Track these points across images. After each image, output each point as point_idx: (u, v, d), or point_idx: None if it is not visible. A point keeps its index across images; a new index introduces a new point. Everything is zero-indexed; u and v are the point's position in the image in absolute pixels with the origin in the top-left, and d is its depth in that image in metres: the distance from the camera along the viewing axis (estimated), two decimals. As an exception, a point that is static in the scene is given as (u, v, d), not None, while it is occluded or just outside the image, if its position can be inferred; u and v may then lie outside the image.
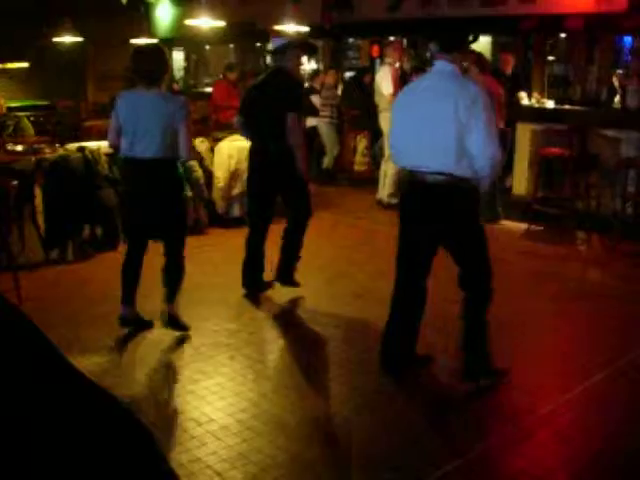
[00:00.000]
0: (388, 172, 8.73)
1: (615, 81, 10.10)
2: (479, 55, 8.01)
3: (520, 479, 3.22)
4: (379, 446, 3.47)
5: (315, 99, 10.44)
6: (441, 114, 3.75)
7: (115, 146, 4.75)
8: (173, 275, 4.75)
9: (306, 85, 10.70)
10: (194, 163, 7.34)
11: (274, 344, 4.77)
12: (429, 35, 4.09)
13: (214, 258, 6.40)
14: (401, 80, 8.88)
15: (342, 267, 6.24)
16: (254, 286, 5.55)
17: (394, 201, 8.77)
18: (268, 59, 14.75)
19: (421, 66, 11.72)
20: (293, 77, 5.41)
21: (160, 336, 4.75)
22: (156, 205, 4.63)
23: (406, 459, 3.35)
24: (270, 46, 5.60)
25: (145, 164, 4.53)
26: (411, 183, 3.99)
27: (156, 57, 4.61)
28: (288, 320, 5.16)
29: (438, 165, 3.79)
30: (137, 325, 4.82)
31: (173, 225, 4.75)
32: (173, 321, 4.75)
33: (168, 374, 4.25)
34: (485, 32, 10.58)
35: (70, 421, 0.88)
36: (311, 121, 10.28)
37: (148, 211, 4.67)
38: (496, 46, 12.04)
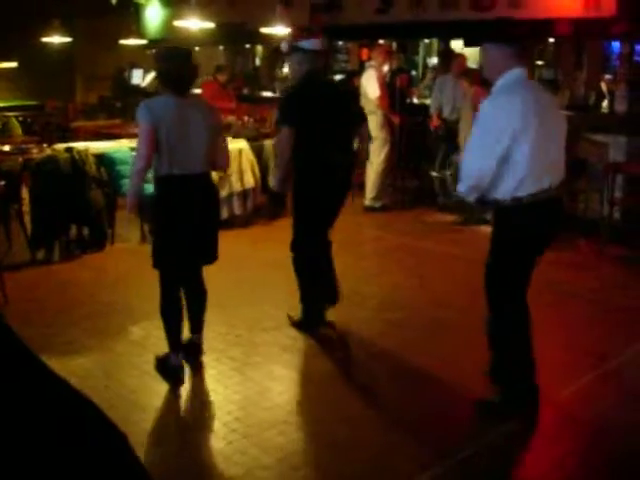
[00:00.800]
0: (371, 176, 8.72)
1: (603, 86, 10.15)
2: (473, 69, 8.11)
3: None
4: (367, 449, 3.47)
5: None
6: (562, 125, 3.69)
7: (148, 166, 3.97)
8: (203, 299, 4.33)
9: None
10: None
11: (260, 347, 4.75)
12: (506, 38, 3.69)
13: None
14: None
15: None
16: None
17: (377, 205, 8.77)
18: (257, 61, 14.76)
19: (405, 69, 11.73)
20: (334, 83, 4.91)
21: (144, 338, 4.73)
22: (207, 224, 4.14)
23: (395, 461, 3.35)
24: (305, 44, 4.70)
25: (197, 180, 4.01)
26: (542, 204, 3.59)
27: (189, 60, 4.04)
28: (275, 323, 5.14)
29: (561, 178, 3.70)
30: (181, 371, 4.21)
31: (215, 246, 4.26)
32: (197, 351, 4.38)
33: (152, 376, 4.22)
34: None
35: (41, 422, 0.87)
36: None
37: (200, 233, 4.10)
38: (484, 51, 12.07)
